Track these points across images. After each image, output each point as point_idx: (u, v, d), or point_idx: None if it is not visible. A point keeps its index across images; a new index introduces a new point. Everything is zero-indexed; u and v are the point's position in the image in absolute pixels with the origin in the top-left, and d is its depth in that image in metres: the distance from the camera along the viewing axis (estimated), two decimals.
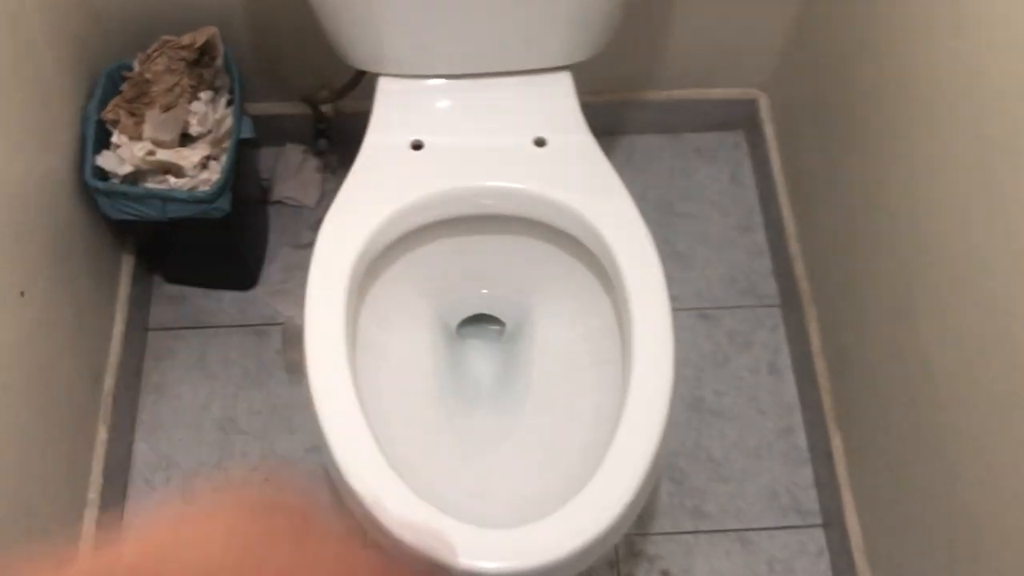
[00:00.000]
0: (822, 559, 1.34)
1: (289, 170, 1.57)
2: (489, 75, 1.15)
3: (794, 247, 1.47)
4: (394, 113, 1.13)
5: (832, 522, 1.33)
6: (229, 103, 1.35)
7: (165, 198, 1.23)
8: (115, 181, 1.25)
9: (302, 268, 1.49)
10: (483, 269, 1.22)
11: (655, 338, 0.99)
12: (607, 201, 1.08)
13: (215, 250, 1.40)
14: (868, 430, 1.24)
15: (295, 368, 1.44)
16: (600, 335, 1.12)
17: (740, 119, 1.63)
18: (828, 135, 1.35)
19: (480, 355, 1.26)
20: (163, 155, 1.24)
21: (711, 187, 1.61)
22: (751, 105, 1.59)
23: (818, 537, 1.35)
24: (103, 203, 1.26)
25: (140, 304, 1.46)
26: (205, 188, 1.25)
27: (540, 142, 1.12)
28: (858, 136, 1.23)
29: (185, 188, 1.25)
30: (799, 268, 1.45)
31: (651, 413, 0.96)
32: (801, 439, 1.41)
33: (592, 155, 1.12)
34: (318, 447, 0.97)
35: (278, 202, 1.57)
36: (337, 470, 0.93)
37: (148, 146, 1.24)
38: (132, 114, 1.27)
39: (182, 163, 1.24)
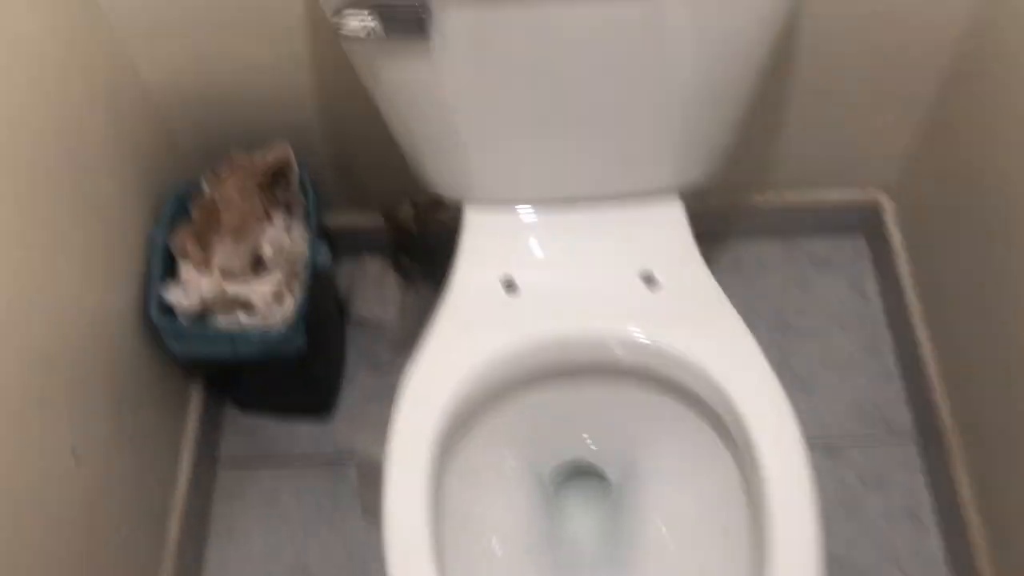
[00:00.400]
0: None
1: (368, 286, 1.46)
2: (587, 201, 1.02)
3: (933, 373, 1.30)
4: (484, 245, 1.02)
5: None
6: (305, 223, 1.25)
7: (235, 338, 1.13)
8: (181, 318, 1.15)
9: (380, 395, 1.40)
10: (584, 419, 1.08)
11: (797, 525, 0.84)
12: (731, 352, 0.94)
13: (289, 381, 1.29)
14: None
15: (371, 509, 1.31)
16: (721, 501, 0.97)
17: (860, 224, 1.47)
18: (968, 242, 1.18)
19: (581, 514, 1.12)
20: (233, 290, 1.14)
21: (831, 300, 1.45)
22: (874, 209, 1.43)
23: None
24: (168, 340, 1.16)
25: (209, 437, 1.35)
26: (278, 325, 1.15)
27: (649, 279, 0.99)
28: (1002, 242, 1.06)
29: (257, 325, 1.14)
30: (940, 398, 1.28)
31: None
32: None
33: (709, 294, 0.98)
34: None
35: (357, 323, 1.46)
36: None
37: (218, 281, 1.14)
38: (200, 242, 1.17)
39: (253, 298, 1.13)
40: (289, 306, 1.16)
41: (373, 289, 1.45)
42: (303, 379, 1.29)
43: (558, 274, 1.00)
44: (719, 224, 1.47)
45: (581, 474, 1.13)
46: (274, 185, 1.23)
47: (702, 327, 0.95)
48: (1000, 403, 1.13)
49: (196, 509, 1.29)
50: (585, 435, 1.08)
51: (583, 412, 1.07)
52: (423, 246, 1.42)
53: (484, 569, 1.01)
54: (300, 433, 1.39)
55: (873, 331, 1.42)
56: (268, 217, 1.21)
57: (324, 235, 1.25)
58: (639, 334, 0.95)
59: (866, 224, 1.47)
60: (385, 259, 1.48)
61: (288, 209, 1.24)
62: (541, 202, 1.03)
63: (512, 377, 0.98)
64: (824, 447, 1.33)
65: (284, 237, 1.21)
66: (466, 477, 1.00)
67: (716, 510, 0.98)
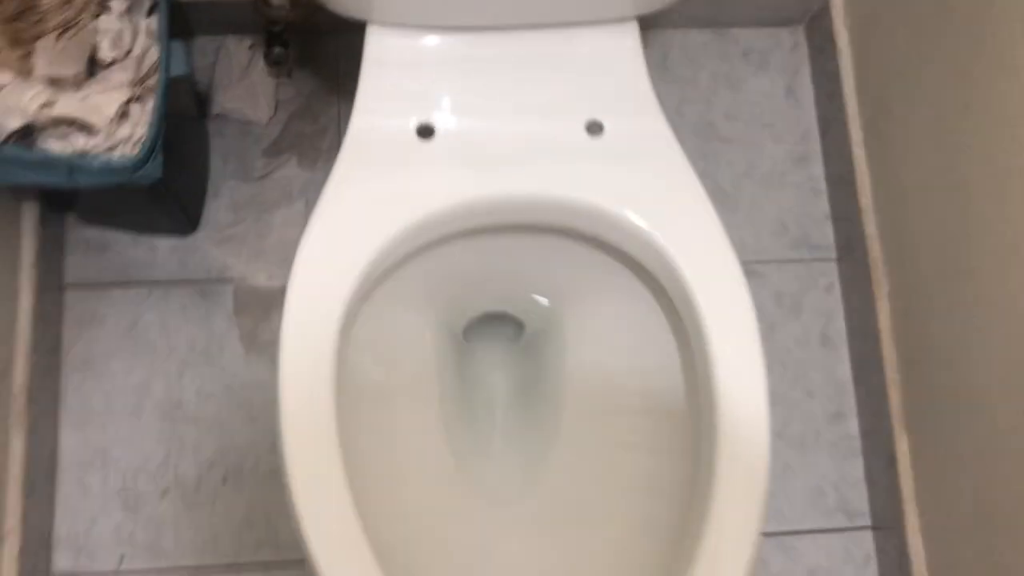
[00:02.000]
0: (868, 567, 1.18)
1: (232, 74, 1.22)
2: (521, 29, 0.82)
3: (863, 190, 1.21)
4: (392, 81, 0.81)
5: (888, 527, 1.16)
6: (151, 10, 0.99)
7: (71, 167, 0.91)
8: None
9: (254, 207, 1.22)
10: (503, 269, 0.94)
11: (747, 417, 0.75)
12: (684, 221, 0.80)
13: (144, 201, 1.08)
14: (945, 433, 1.05)
15: (251, 340, 1.17)
16: (658, 375, 0.88)
17: (802, 17, 1.31)
18: (922, 50, 1.05)
19: (493, 366, 1.01)
20: (65, 106, 0.90)
21: (763, 104, 1.31)
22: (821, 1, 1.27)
23: (866, 542, 1.18)
24: None
25: (51, 258, 1.15)
26: (125, 149, 0.93)
27: (594, 127, 0.82)
28: (968, 51, 0.95)
29: (99, 149, 0.92)
30: (868, 220, 1.20)
31: (746, 520, 0.73)
32: (854, 428, 1.22)
33: (664, 148, 0.82)
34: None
35: (219, 116, 1.23)
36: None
37: (43, 92, 0.90)
38: (16, 41, 0.91)
39: (93, 119, 0.90)
40: (139, 124, 0.94)
41: (239, 79, 1.22)
42: (161, 199, 1.09)
43: (485, 122, 0.82)
44: None
45: (495, 321, 1.01)
46: None
47: (654, 190, 0.81)
48: (929, 231, 1.06)
49: (44, 344, 1.11)
50: (502, 281, 0.95)
51: (502, 266, 0.93)
52: (299, 27, 1.18)
53: (391, 440, 0.90)
54: (161, 251, 1.20)
55: (804, 140, 1.30)
56: (102, 3, 0.95)
57: (178, 22, 1.00)
58: (580, 195, 0.80)
59: (809, 17, 1.30)
60: (253, 41, 1.22)
61: None
62: (465, 27, 0.81)
63: (426, 236, 0.82)
64: (744, 269, 1.25)
65: (126, 29, 0.96)
66: (370, 343, 0.87)
67: (650, 385, 0.89)
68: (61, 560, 1.10)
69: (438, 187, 0.79)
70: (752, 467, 0.74)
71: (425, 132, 0.80)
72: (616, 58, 0.82)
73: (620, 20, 0.82)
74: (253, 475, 1.14)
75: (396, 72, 0.80)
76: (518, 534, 0.88)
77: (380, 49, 0.80)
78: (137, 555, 1.11)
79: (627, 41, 0.82)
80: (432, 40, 0.81)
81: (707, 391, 0.76)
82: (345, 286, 0.77)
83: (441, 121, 0.80)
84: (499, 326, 1.02)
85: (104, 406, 1.14)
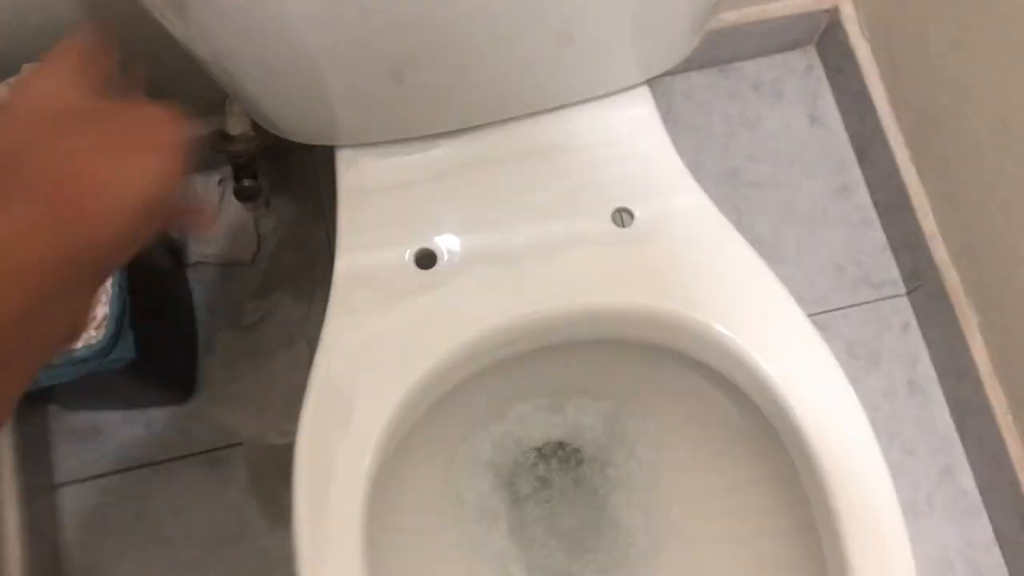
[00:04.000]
0: None
1: None
2: (514, 121, 0.69)
3: (923, 211, 1.07)
4: (375, 210, 0.68)
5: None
6: None
7: None
8: None
9: (251, 357, 1.09)
10: (547, 400, 0.80)
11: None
12: (748, 305, 0.66)
13: (125, 380, 0.95)
14: None
15: (273, 508, 1.03)
16: (747, 491, 0.73)
17: (810, 37, 1.18)
18: (960, 38, 0.93)
19: (554, 513, 0.86)
20: None
21: (786, 136, 1.18)
22: (831, 17, 1.14)
23: None
24: None
25: (36, 457, 1.02)
26: (89, 334, 0.80)
27: (622, 216, 0.68)
28: (1004, 31, 0.82)
29: None
30: (936, 244, 1.06)
31: None
32: (969, 482, 1.06)
33: (707, 222, 0.68)
34: None
35: (198, 263, 1.11)
36: None
37: None
38: None
39: None
40: (100, 303, 0.81)
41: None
42: (143, 375, 0.95)
43: (490, 232, 0.68)
44: None
45: (548, 459, 0.87)
46: None
47: (696, 273, 0.67)
48: (1015, 246, 0.92)
49: (41, 561, 0.98)
50: (551, 417, 0.81)
51: (550, 393, 0.79)
52: (268, 157, 1.06)
53: None
54: (157, 424, 1.06)
55: (840, 170, 1.17)
56: None
57: None
58: (623, 301, 0.66)
59: (819, 35, 1.18)
60: (222, 175, 1.11)
61: None
62: (449, 132, 0.69)
63: (448, 381, 0.68)
64: None
65: None
66: (407, 515, 0.73)
67: (737, 493, 0.75)
68: None
69: (452, 321, 0.65)
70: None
71: (426, 260, 0.67)
72: (631, 132, 0.69)
73: (628, 89, 0.69)
74: None
75: (378, 197, 0.67)
76: None
77: (356, 174, 0.67)
78: None
79: (640, 111, 0.69)
80: (414, 153, 0.68)
81: (819, 495, 0.61)
82: (363, 459, 0.63)
83: (442, 243, 0.67)
84: (551, 460, 0.88)
85: None
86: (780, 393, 0.64)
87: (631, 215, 0.68)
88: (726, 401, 0.71)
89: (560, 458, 0.84)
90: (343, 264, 0.66)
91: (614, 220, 0.68)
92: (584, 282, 0.67)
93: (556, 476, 0.84)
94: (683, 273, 0.67)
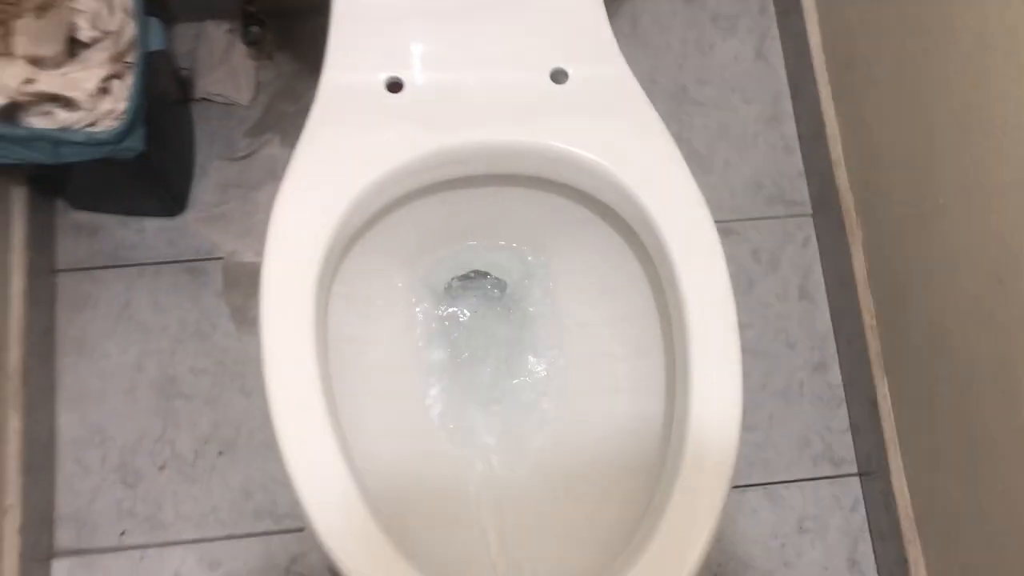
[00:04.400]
0: (857, 512, 1.20)
1: (213, 58, 1.25)
2: None
3: (834, 143, 1.23)
4: (360, 38, 0.83)
5: (873, 472, 1.18)
6: None
7: (57, 140, 0.93)
8: None
9: (239, 186, 1.24)
10: (480, 227, 0.97)
11: (718, 357, 0.77)
12: (649, 160, 0.82)
13: (130, 180, 1.11)
14: (922, 373, 1.07)
15: (241, 316, 1.19)
16: (633, 321, 0.90)
17: None
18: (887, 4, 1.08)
19: (476, 322, 1.03)
20: (46, 82, 0.93)
21: (733, 67, 1.34)
22: None
23: (853, 488, 1.20)
24: None
25: (42, 242, 1.17)
26: (108, 123, 0.95)
27: (559, 75, 0.84)
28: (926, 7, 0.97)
29: (82, 124, 0.95)
30: (840, 172, 1.22)
31: (719, 462, 0.75)
32: (836, 378, 1.24)
33: (628, 93, 0.85)
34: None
35: (203, 99, 1.26)
36: (317, 536, 0.72)
37: (24, 69, 0.92)
38: None
39: (74, 94, 0.93)
40: (120, 99, 0.97)
41: (220, 63, 1.24)
42: (146, 177, 1.11)
43: (452, 74, 0.84)
44: None
45: (477, 281, 1.03)
46: None
47: (619, 133, 0.83)
48: (897, 177, 1.08)
49: (38, 327, 1.14)
50: (480, 243, 0.97)
51: (478, 219, 0.95)
52: (276, 8, 1.21)
53: (379, 397, 0.92)
54: (149, 232, 1.22)
55: (775, 100, 1.33)
56: None
57: (155, 2, 1.02)
58: (548, 141, 0.82)
59: None
60: (232, 25, 1.25)
61: None
62: None
63: (399, 189, 0.84)
64: (722, 228, 1.27)
65: (104, 9, 0.98)
66: (350, 298, 0.89)
67: (626, 331, 0.92)
68: (63, 537, 1.12)
69: (408, 138, 0.81)
70: (727, 391, 0.75)
71: (394, 86, 0.83)
72: (577, 8, 0.85)
73: None
74: (248, 447, 1.16)
75: (364, 28, 0.83)
76: (508, 477, 0.90)
77: (347, 6, 0.83)
78: (137, 529, 1.13)
79: None
80: None
81: (679, 320, 0.78)
82: (321, 238, 0.79)
83: (409, 75, 0.83)
84: (481, 284, 1.05)
85: (99, 386, 1.17)
86: (657, 226, 0.80)
87: (566, 75, 0.84)
88: (622, 242, 0.88)
89: (487, 284, 1.01)
90: (328, 78, 0.82)
91: (552, 77, 0.84)
92: (518, 123, 0.83)
93: (481, 300, 1.01)
94: (598, 127, 0.83)
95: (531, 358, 0.97)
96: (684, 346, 0.78)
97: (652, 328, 0.88)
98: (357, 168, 0.80)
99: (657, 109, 0.85)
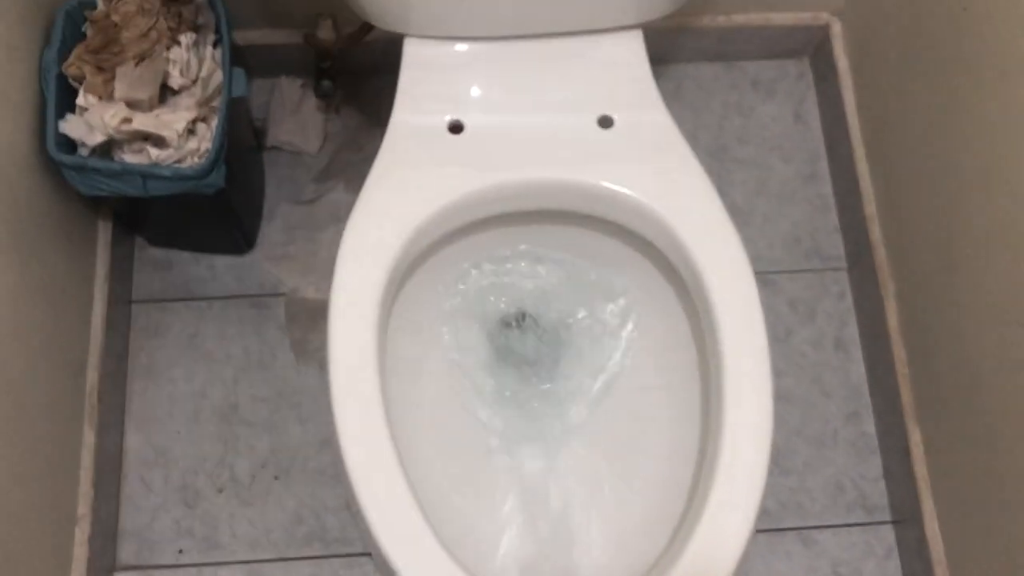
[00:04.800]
0: (890, 560, 1.22)
1: (285, 110, 1.35)
2: (539, 37, 0.93)
3: (868, 201, 1.29)
4: (426, 85, 0.92)
5: (906, 519, 1.20)
6: (215, 43, 1.12)
7: (146, 175, 1.03)
8: (84, 152, 1.04)
9: (305, 228, 1.33)
10: (528, 254, 1.03)
11: (751, 383, 0.83)
12: (688, 199, 0.89)
13: (206, 217, 1.20)
14: (954, 422, 1.10)
15: (301, 348, 1.27)
16: (670, 350, 0.96)
17: (806, 48, 1.41)
18: (916, 71, 1.14)
19: (524, 350, 1.09)
20: (141, 122, 1.02)
21: (771, 127, 1.41)
22: (822, 32, 1.37)
23: (887, 535, 1.23)
24: (71, 177, 1.05)
25: (121, 275, 1.26)
26: (193, 161, 1.05)
27: (606, 121, 0.92)
28: (953, 71, 1.03)
29: (170, 161, 1.04)
30: (874, 228, 1.28)
31: (750, 483, 0.80)
32: (870, 427, 1.27)
33: (669, 138, 0.92)
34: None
35: (274, 148, 1.36)
36: (379, 550, 0.78)
37: (122, 110, 1.02)
38: (100, 68, 1.04)
39: (165, 133, 1.02)
40: (205, 140, 1.06)
41: (292, 114, 1.34)
42: (221, 215, 1.20)
43: (508, 117, 0.92)
44: (661, 46, 1.39)
45: (523, 315, 1.10)
46: (176, 1, 1.08)
47: (660, 173, 0.90)
48: (928, 232, 1.13)
49: (113, 352, 1.22)
50: (529, 274, 1.04)
51: (527, 251, 1.02)
52: (346, 68, 1.31)
53: (435, 416, 0.99)
54: (219, 268, 1.31)
55: (812, 160, 1.39)
56: (174, 37, 1.08)
57: (238, 57, 1.13)
58: (595, 179, 0.90)
59: (813, 48, 1.41)
60: (304, 81, 1.36)
61: (195, 27, 1.11)
62: (490, 36, 0.93)
63: (456, 221, 0.92)
64: (759, 279, 1.33)
65: (193, 60, 1.09)
66: (408, 327, 0.96)
67: (665, 359, 0.97)
68: (125, 552, 1.19)
69: (467, 175, 0.89)
70: (758, 404, 0.80)
71: (456, 128, 0.91)
72: (624, 61, 0.93)
73: (626, 29, 0.93)
74: (303, 473, 1.22)
75: (429, 76, 0.92)
76: (559, 482, 0.96)
77: (416, 56, 0.92)
78: (195, 548, 1.19)
79: (633, 45, 0.93)
80: (461, 48, 0.93)
81: (713, 343, 0.83)
82: (384, 264, 0.86)
83: (469, 118, 0.91)
84: (528, 322, 1.11)
85: (166, 409, 1.24)
86: (695, 264, 0.86)
87: (612, 121, 0.91)
88: (662, 279, 0.94)
89: (532, 309, 1.07)
90: (397, 120, 0.90)
91: (599, 123, 0.91)
92: (567, 163, 0.90)
93: (528, 323, 1.08)
94: (641, 169, 0.90)
95: (572, 382, 1.03)
96: (719, 375, 0.83)
97: (690, 356, 0.93)
98: (419, 202, 0.88)
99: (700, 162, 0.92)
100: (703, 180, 0.89)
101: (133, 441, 1.23)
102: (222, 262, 1.31)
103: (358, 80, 1.37)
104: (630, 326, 1.01)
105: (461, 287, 1.00)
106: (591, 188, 0.90)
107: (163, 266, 1.31)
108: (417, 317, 0.97)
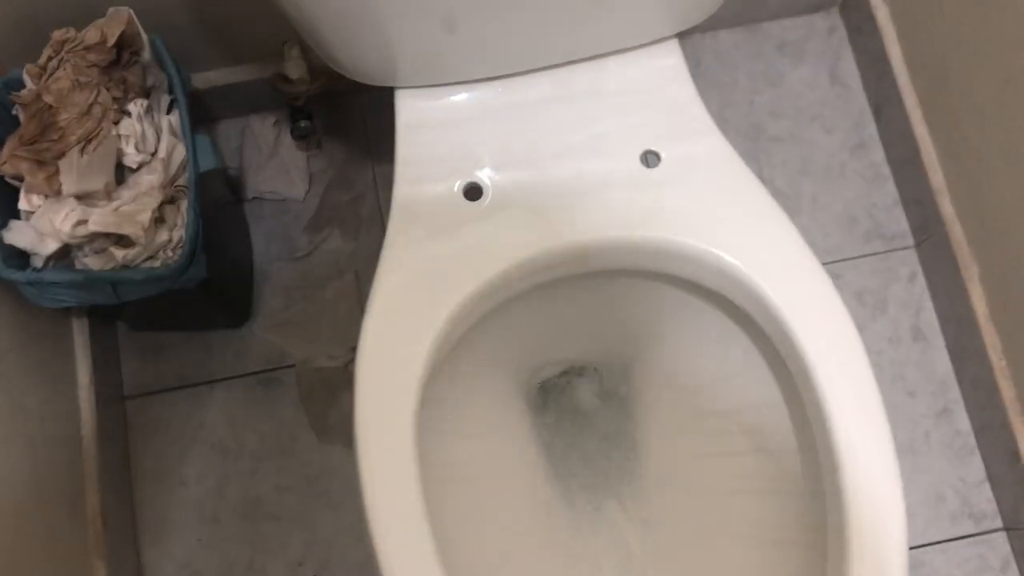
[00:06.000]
0: (1008, 571, 1.09)
1: (262, 154, 1.19)
2: (555, 67, 0.77)
3: (932, 169, 1.13)
4: (429, 144, 0.76)
5: (1021, 527, 1.07)
6: (171, 105, 0.96)
7: (115, 281, 0.88)
8: (38, 263, 0.89)
9: (302, 286, 1.18)
10: (577, 318, 0.89)
11: (876, 480, 0.68)
12: (763, 244, 0.74)
13: (192, 304, 1.05)
14: None
15: (322, 425, 1.13)
16: (761, 413, 0.81)
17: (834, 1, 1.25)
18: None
19: (576, 424, 0.95)
20: (98, 222, 0.87)
21: (806, 95, 1.24)
22: None
23: (1000, 545, 1.10)
24: (29, 293, 0.90)
25: (107, 371, 1.12)
26: (166, 256, 0.89)
27: (650, 158, 0.76)
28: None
29: (139, 259, 0.89)
30: (943, 201, 1.12)
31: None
32: (964, 423, 1.14)
33: (727, 169, 0.76)
34: None
35: (256, 198, 1.20)
36: None
37: (75, 210, 0.87)
38: (40, 162, 0.88)
39: (129, 230, 0.87)
40: (176, 227, 0.91)
41: (270, 159, 1.18)
42: (207, 296, 1.05)
43: (532, 168, 0.76)
44: None
45: (570, 375, 0.96)
46: (121, 66, 0.92)
47: (726, 213, 0.75)
48: (1016, 202, 0.98)
49: (112, 463, 1.08)
50: (579, 342, 0.90)
51: (576, 315, 0.87)
52: (322, 100, 1.14)
53: (483, 518, 0.85)
54: (216, 346, 1.16)
55: (858, 126, 1.23)
56: (121, 108, 0.92)
57: (199, 110, 0.97)
58: (648, 234, 0.74)
59: (844, 1, 1.24)
60: (277, 117, 1.19)
61: (144, 91, 0.95)
62: (496, 76, 0.76)
63: (490, 301, 0.77)
64: None
65: (148, 130, 0.93)
66: (453, 418, 0.82)
67: (747, 417, 0.83)
68: None
69: (495, 248, 0.74)
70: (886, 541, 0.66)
71: (473, 192, 0.75)
72: (660, 81, 0.77)
73: (659, 42, 0.77)
74: (342, 566, 1.09)
75: (431, 134, 0.76)
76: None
77: (412, 113, 0.76)
78: None
79: (669, 61, 0.77)
80: (463, 95, 0.76)
81: (826, 448, 0.69)
82: (415, 367, 0.72)
83: (487, 178, 0.75)
84: (575, 380, 0.97)
85: (180, 516, 1.11)
86: (786, 322, 0.71)
87: (658, 157, 0.76)
88: (737, 328, 0.79)
89: (585, 381, 0.93)
90: (400, 194, 0.75)
91: (642, 161, 0.76)
92: (612, 217, 0.75)
93: (581, 396, 0.93)
94: (702, 211, 0.74)
95: (638, 457, 0.89)
96: (832, 463, 0.69)
97: (783, 421, 0.79)
98: (444, 286, 0.73)
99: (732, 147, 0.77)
100: (778, 219, 0.74)
101: (151, 559, 1.09)
102: (218, 338, 1.16)
103: (336, 105, 1.21)
104: (703, 381, 0.86)
105: (502, 367, 0.86)
106: (643, 242, 0.74)
107: (153, 352, 1.16)
108: (460, 411, 0.82)
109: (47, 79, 0.89)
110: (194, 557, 1.09)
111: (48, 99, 0.89)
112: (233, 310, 1.13)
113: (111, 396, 1.11)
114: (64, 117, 0.89)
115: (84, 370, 1.07)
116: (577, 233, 0.74)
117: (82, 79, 0.89)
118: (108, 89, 0.91)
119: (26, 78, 0.90)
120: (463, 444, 0.82)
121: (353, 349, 0.74)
